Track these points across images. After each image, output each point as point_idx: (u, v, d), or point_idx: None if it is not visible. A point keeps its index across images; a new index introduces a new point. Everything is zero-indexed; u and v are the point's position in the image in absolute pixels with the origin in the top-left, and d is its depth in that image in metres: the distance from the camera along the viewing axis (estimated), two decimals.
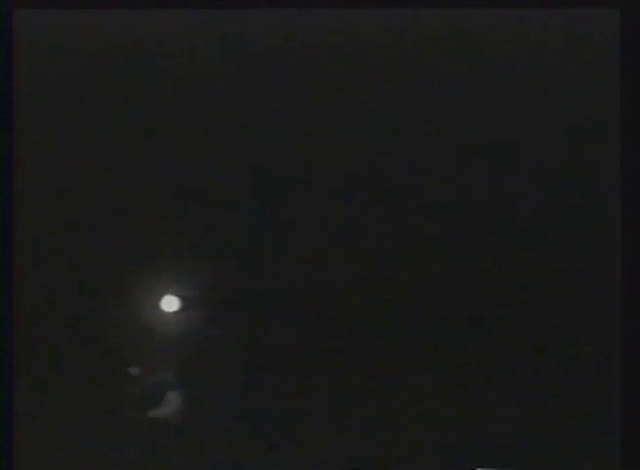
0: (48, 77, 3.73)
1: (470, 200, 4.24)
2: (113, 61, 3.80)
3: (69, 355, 3.62)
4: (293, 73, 3.92)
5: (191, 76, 3.95)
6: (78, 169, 3.75)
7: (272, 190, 3.88)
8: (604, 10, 3.49)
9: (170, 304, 3.76)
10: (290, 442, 3.89)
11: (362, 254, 4.03)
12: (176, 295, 3.78)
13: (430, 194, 4.18)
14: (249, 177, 3.86)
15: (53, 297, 3.66)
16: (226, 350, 3.84)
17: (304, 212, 3.98)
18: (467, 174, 4.39)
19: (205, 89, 4.00)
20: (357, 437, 3.90)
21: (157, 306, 3.78)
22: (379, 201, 4.02)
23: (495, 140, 4.42)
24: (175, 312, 3.78)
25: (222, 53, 4.11)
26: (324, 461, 3.90)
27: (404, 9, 3.83)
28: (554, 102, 4.14)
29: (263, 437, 3.89)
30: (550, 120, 4.16)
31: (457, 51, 4.36)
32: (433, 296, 3.98)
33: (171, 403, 3.75)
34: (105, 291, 3.73)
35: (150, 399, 3.74)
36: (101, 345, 3.65)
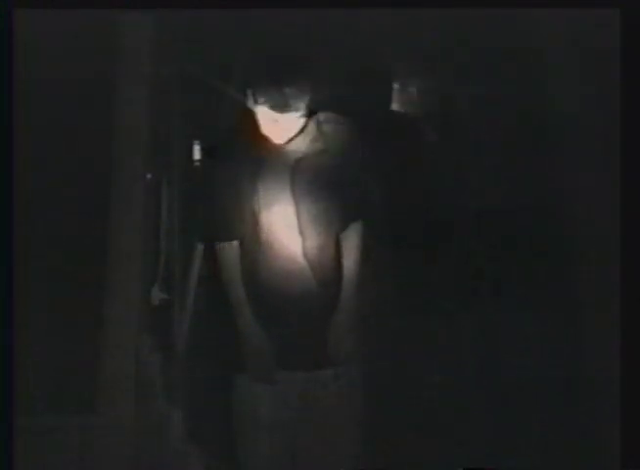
0: (48, 77, 3.73)
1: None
2: (114, 61, 3.80)
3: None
4: None
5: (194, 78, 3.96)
6: (78, 170, 3.75)
7: None
8: (604, 10, 3.49)
9: None
10: None
11: None
12: None
13: None
14: None
15: None
16: None
17: None
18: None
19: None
20: None
21: None
22: None
23: (493, 140, 4.43)
24: None
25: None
26: None
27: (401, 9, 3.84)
28: (553, 102, 4.14)
29: None
30: (549, 120, 4.16)
31: (456, 51, 4.36)
32: None
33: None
34: None
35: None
36: None
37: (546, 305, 4.14)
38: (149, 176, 3.89)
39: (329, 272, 3.62)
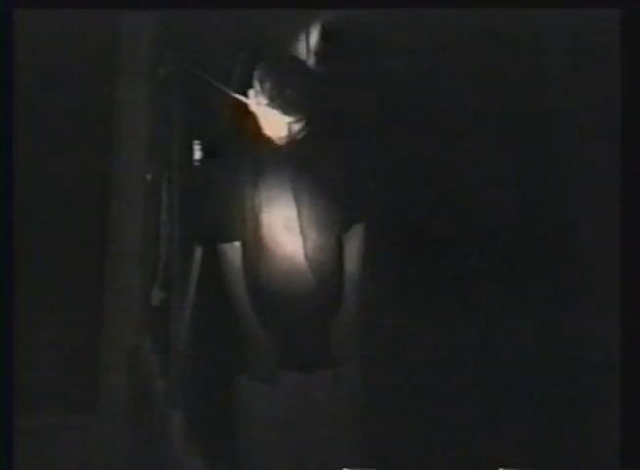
0: (48, 77, 3.73)
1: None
2: (114, 61, 3.81)
3: None
4: None
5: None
6: (78, 170, 3.76)
7: None
8: (604, 10, 3.49)
9: None
10: None
11: None
12: None
13: None
14: None
15: None
16: None
17: None
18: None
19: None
20: None
21: None
22: None
23: (494, 139, 4.43)
24: None
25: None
26: None
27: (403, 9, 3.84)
28: (553, 102, 4.15)
29: None
30: (550, 120, 4.16)
31: (456, 51, 4.36)
32: None
33: None
34: None
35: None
36: None
37: (546, 304, 4.14)
38: (149, 176, 3.89)
39: (330, 273, 3.62)
